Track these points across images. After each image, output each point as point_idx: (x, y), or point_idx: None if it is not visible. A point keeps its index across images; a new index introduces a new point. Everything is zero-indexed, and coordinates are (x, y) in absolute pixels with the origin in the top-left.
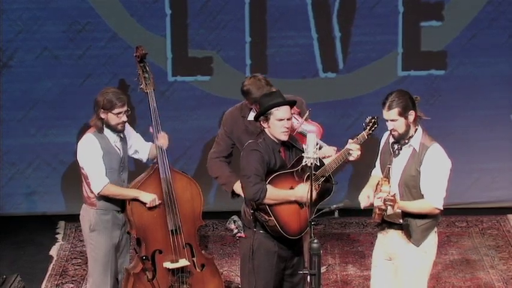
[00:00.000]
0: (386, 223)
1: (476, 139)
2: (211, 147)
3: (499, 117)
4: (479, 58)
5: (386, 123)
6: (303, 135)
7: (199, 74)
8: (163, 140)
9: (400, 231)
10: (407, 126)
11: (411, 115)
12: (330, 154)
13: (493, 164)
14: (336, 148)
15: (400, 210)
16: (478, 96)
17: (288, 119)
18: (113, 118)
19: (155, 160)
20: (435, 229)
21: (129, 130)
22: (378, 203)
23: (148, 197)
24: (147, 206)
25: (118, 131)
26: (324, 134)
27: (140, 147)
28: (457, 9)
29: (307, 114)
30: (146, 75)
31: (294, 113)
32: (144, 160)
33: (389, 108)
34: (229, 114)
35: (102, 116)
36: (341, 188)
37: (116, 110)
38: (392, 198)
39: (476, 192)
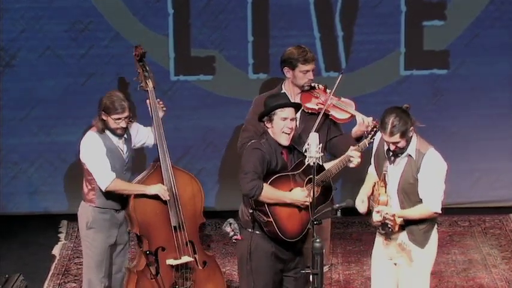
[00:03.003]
0: (387, 224)
1: (479, 138)
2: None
3: (501, 116)
4: (481, 57)
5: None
6: (339, 107)
7: (201, 74)
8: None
9: (402, 232)
10: (408, 142)
11: (411, 132)
12: (361, 130)
13: (496, 164)
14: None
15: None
16: (481, 96)
17: (291, 119)
18: (111, 122)
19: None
20: (435, 227)
21: (132, 127)
22: (377, 218)
23: (155, 188)
24: (159, 196)
25: (117, 135)
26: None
27: (146, 136)
28: (460, 8)
29: (339, 78)
30: (146, 73)
31: (324, 88)
32: (151, 146)
33: (391, 134)
34: (260, 99)
35: (103, 117)
36: (343, 188)
37: (115, 116)
38: (392, 218)
39: (479, 192)
